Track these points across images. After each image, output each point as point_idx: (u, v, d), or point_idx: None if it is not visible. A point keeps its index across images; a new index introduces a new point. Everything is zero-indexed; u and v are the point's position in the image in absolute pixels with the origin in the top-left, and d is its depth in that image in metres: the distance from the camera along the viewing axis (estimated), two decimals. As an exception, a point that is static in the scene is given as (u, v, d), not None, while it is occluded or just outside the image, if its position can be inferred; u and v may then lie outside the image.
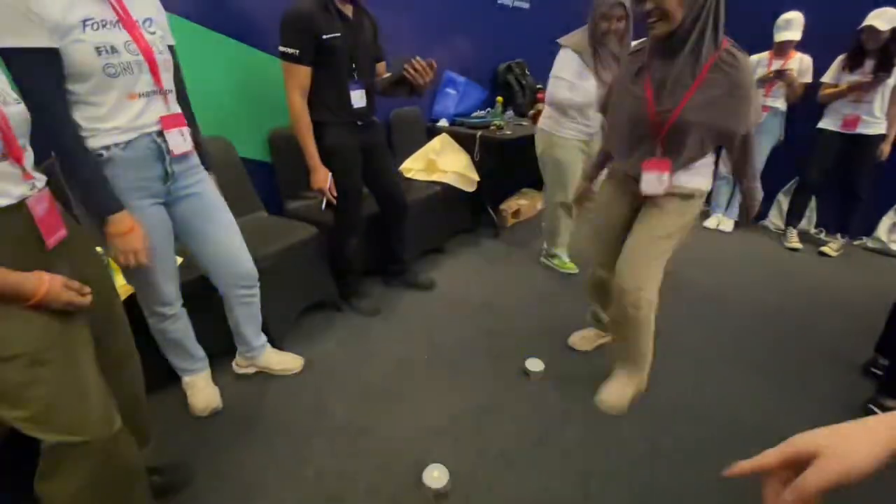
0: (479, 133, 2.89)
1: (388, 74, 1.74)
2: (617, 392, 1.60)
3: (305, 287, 1.97)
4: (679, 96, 1.23)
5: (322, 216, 2.09)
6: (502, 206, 3.20)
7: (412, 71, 1.65)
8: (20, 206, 0.77)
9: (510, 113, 3.19)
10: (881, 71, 2.53)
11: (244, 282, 1.44)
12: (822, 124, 2.82)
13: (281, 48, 1.59)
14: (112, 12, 1.01)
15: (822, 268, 2.84)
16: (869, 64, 2.58)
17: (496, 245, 2.97)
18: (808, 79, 2.88)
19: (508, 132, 2.86)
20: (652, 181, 1.35)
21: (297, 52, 1.57)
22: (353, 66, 1.70)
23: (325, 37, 1.58)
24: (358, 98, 1.74)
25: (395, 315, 2.15)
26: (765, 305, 2.33)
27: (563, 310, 2.22)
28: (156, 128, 1.12)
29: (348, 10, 1.66)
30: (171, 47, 1.19)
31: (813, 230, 3.32)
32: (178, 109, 1.18)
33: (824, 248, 3.01)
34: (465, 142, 2.91)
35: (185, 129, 1.20)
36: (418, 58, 1.65)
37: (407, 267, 2.36)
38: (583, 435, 1.50)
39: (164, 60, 1.11)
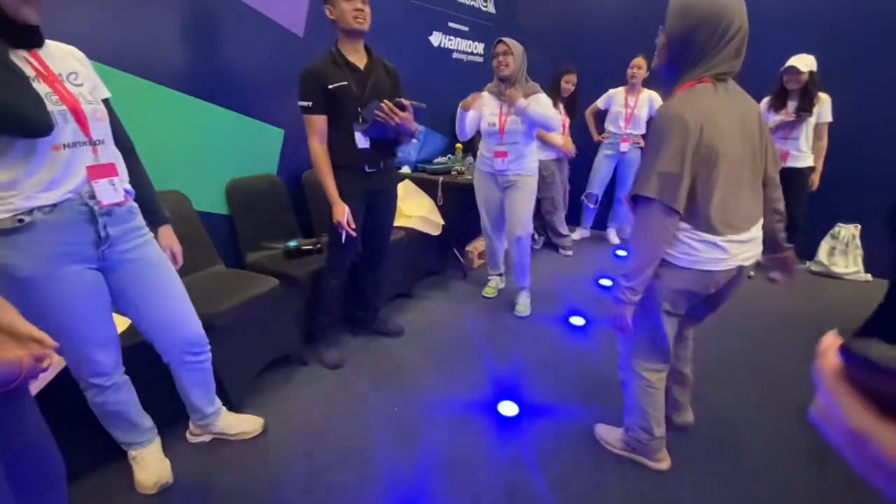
0: (441, 178, 2.96)
1: (367, 125, 1.78)
2: (608, 429, 1.62)
3: (266, 342, 1.89)
4: None
5: (285, 268, 2.05)
6: (468, 248, 3.23)
7: (381, 115, 1.74)
8: None
9: (470, 158, 3.29)
10: (803, 110, 2.78)
11: (191, 349, 1.34)
12: (756, 159, 3.05)
13: (299, 103, 1.74)
14: (30, 68, 1.00)
15: (773, 291, 2.98)
16: (791, 104, 2.84)
17: (464, 286, 2.98)
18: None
19: (469, 177, 2.94)
20: None
21: (311, 104, 1.73)
22: (360, 111, 1.78)
23: (331, 86, 1.71)
24: (362, 140, 1.81)
25: (363, 366, 2.08)
26: (725, 334, 2.41)
27: (535, 348, 2.22)
28: (84, 184, 1.07)
29: (360, 62, 1.79)
30: (106, 101, 1.17)
31: (760, 258, 3.50)
32: (110, 160, 1.13)
33: (771, 275, 3.16)
34: (427, 187, 2.97)
35: (117, 180, 1.14)
36: (385, 101, 1.73)
37: (376, 314, 2.32)
38: (563, 479, 1.46)
39: (92, 110, 1.09)
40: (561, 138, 3.33)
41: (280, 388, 1.90)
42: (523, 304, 2.56)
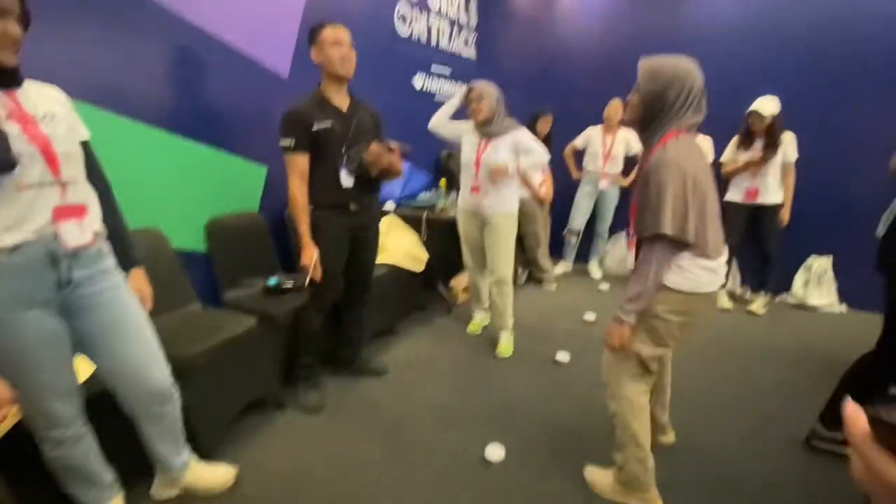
0: (425, 214, 2.97)
1: (354, 164, 1.81)
2: (598, 472, 1.58)
3: (242, 385, 1.80)
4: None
5: (263, 306, 1.99)
6: (452, 283, 3.22)
7: (370, 157, 1.77)
8: None
9: (454, 194, 3.32)
10: (768, 150, 2.93)
11: (155, 398, 1.26)
12: (728, 196, 3.15)
13: (281, 143, 1.74)
14: (1, 108, 0.99)
15: (753, 325, 3.03)
16: (758, 144, 2.98)
17: (448, 322, 2.94)
18: (711, 158, 3.28)
19: (453, 212, 2.96)
20: None
21: (293, 143, 1.72)
22: (343, 151, 1.79)
23: (315, 128, 1.72)
24: (346, 179, 1.82)
25: (344, 409, 2.00)
26: (708, 368, 2.41)
27: (521, 387, 2.17)
28: (48, 226, 1.02)
29: (343, 104, 1.82)
30: (84, 143, 1.16)
31: (739, 290, 3.58)
32: (79, 201, 1.10)
33: (751, 308, 3.23)
34: (412, 223, 2.97)
35: (86, 221, 1.10)
36: (374, 143, 1.76)
37: (358, 353, 2.25)
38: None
39: (65, 152, 1.06)
40: (544, 188, 3.42)
41: (255, 434, 1.80)
42: (505, 346, 2.52)
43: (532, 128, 3.36)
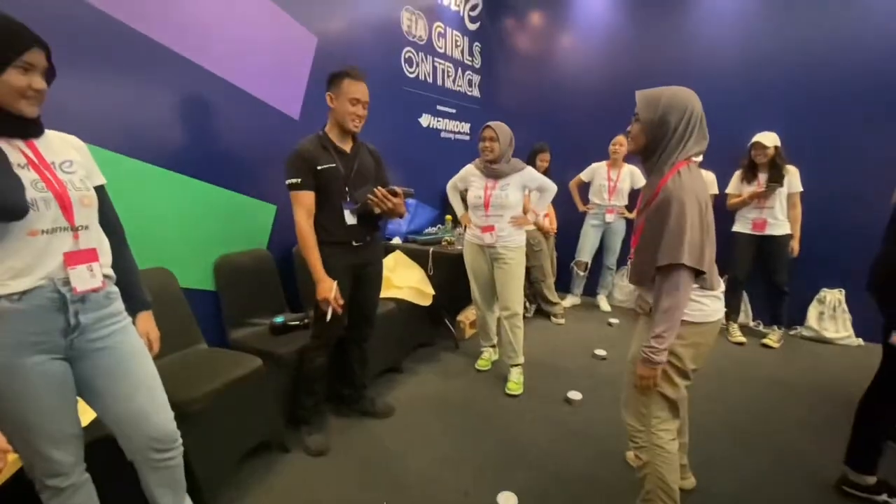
0: (431, 249, 2.98)
1: (357, 205, 1.85)
2: None
3: (246, 428, 1.76)
4: (643, 213, 1.35)
5: (269, 346, 1.97)
6: (459, 318, 3.18)
7: (374, 199, 1.80)
8: None
9: (460, 229, 3.35)
10: (773, 182, 2.94)
11: (158, 445, 1.21)
12: (735, 228, 3.15)
13: (286, 182, 1.77)
14: (21, 156, 1.01)
15: (769, 359, 2.95)
16: (762, 176, 3.00)
17: (456, 358, 2.89)
18: (715, 191, 3.29)
19: (459, 247, 2.97)
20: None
21: (299, 180, 1.75)
22: (347, 189, 1.83)
23: (319, 167, 1.77)
24: (350, 217, 1.85)
25: (349, 452, 1.94)
26: (726, 404, 2.33)
27: (533, 428, 2.11)
28: (59, 271, 1.03)
29: (347, 146, 1.87)
30: (99, 188, 1.18)
31: (752, 323, 3.51)
32: (91, 245, 1.11)
33: (766, 340, 3.16)
34: (418, 258, 2.98)
35: (96, 265, 1.11)
36: (379, 188, 1.81)
37: (363, 392, 2.21)
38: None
39: (80, 197, 1.08)
40: (547, 220, 3.46)
41: (259, 479, 1.74)
42: (515, 383, 2.46)
43: (532, 163, 3.41)
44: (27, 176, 1.00)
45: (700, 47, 3.54)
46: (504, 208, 2.37)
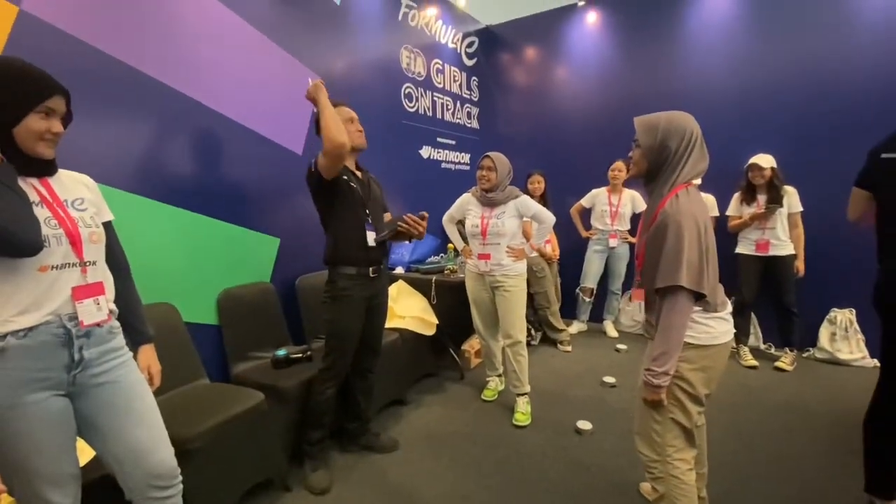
0: (433, 278, 2.98)
1: (385, 232, 1.91)
2: None
3: (247, 465, 1.72)
4: (643, 237, 1.36)
5: (271, 380, 1.95)
6: (464, 347, 3.14)
7: (405, 225, 1.87)
8: None
9: (462, 257, 3.35)
10: (772, 203, 2.95)
11: (158, 482, 1.18)
12: (739, 249, 3.14)
13: (313, 167, 1.76)
14: (35, 194, 1.04)
15: (784, 383, 2.87)
16: (761, 197, 3.01)
17: (461, 388, 2.83)
18: (716, 213, 3.30)
19: (462, 275, 2.97)
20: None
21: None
22: (367, 212, 1.88)
23: (344, 177, 1.82)
24: (371, 240, 1.89)
25: (353, 490, 1.87)
26: (743, 432, 2.25)
27: (542, 460, 2.04)
28: (66, 306, 1.04)
29: (358, 174, 1.94)
30: (107, 224, 1.21)
31: (763, 346, 3.44)
32: (98, 279, 1.12)
33: (779, 363, 3.09)
34: (421, 287, 2.98)
35: (103, 298, 1.12)
36: (410, 214, 1.88)
37: (367, 426, 2.16)
38: None
39: (90, 233, 1.10)
40: (549, 246, 3.47)
41: (259, 520, 1.69)
42: (522, 413, 2.40)
43: (524, 188, 3.45)
44: (41, 213, 1.03)
45: (691, 74, 3.63)
46: (501, 236, 2.38)
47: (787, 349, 3.14)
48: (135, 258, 1.35)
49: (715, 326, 1.28)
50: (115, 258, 1.24)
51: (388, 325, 2.60)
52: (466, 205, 2.53)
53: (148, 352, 1.32)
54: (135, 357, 1.26)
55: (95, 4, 1.73)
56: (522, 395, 2.46)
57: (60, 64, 1.49)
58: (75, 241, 1.07)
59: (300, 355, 2.13)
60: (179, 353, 1.87)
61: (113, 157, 1.77)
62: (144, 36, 1.87)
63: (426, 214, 1.91)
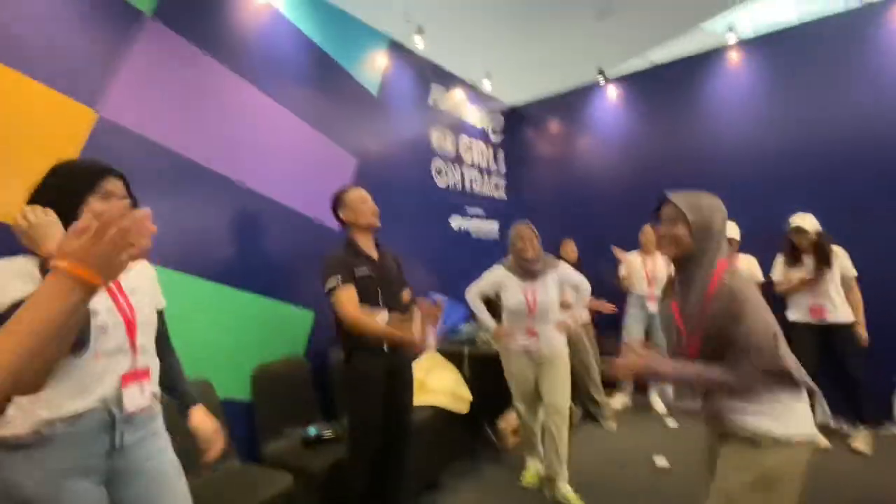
0: (466, 349, 2.91)
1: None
2: None
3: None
4: (695, 329, 1.24)
5: (301, 461, 1.89)
6: (501, 424, 2.97)
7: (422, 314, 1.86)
8: None
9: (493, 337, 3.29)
10: (821, 266, 2.78)
11: None
12: (791, 317, 2.92)
13: (325, 286, 1.80)
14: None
15: (864, 469, 2.53)
16: (808, 260, 2.85)
17: (499, 470, 2.64)
18: (760, 277, 3.14)
19: (495, 346, 2.89)
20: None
21: (339, 278, 1.79)
22: (379, 294, 1.87)
23: (356, 272, 1.83)
24: (383, 321, 1.86)
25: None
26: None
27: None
28: (113, 391, 1.05)
29: (373, 253, 1.95)
30: (160, 312, 1.25)
31: (832, 424, 3.09)
32: (147, 365, 1.14)
33: (855, 445, 2.75)
34: (452, 358, 2.90)
35: (147, 383, 1.13)
36: (425, 302, 1.89)
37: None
38: None
39: (144, 321, 1.14)
40: (585, 310, 3.36)
41: None
42: (570, 499, 2.20)
43: (557, 255, 3.43)
44: (103, 302, 1.05)
45: (716, 140, 3.66)
46: (549, 311, 2.29)
47: (860, 426, 2.81)
48: (173, 332, 1.37)
49: (806, 413, 1.17)
50: (164, 344, 1.27)
51: (419, 401, 2.53)
52: (502, 280, 2.35)
53: (200, 411, 1.30)
54: (188, 418, 1.25)
55: (162, 107, 1.96)
56: (562, 479, 2.26)
57: (126, 157, 1.66)
58: (131, 330, 1.10)
59: (331, 435, 2.06)
60: (212, 432, 1.86)
61: (158, 237, 1.89)
62: (202, 131, 2.09)
63: (441, 304, 1.92)
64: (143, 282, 1.20)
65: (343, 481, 1.84)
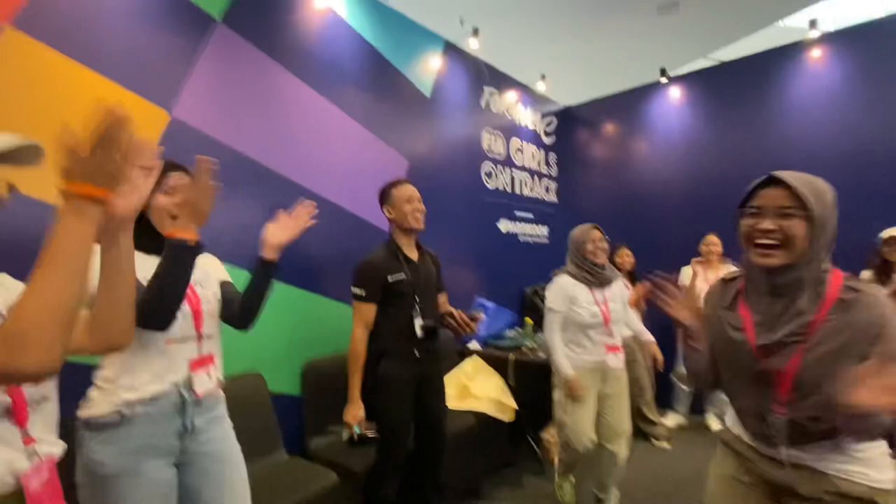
0: (511, 356, 2.84)
1: (431, 322, 1.85)
2: None
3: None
4: (792, 347, 0.93)
5: (345, 459, 1.90)
6: (545, 436, 2.87)
7: (453, 323, 1.82)
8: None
9: (541, 334, 3.19)
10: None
11: None
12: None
13: (353, 289, 1.80)
14: None
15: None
16: (900, 277, 2.57)
17: (542, 484, 2.54)
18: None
19: (542, 354, 2.80)
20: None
21: (364, 293, 1.77)
22: (417, 299, 1.83)
23: (390, 279, 1.77)
24: (419, 329, 1.81)
25: None
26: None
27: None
28: (184, 375, 1.11)
29: (414, 255, 1.89)
30: (225, 284, 1.29)
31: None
32: (211, 351, 1.19)
33: None
34: (497, 365, 2.84)
35: (213, 368, 1.18)
36: (461, 313, 1.83)
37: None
38: None
39: (209, 310, 1.19)
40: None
41: None
42: None
43: (612, 262, 3.29)
44: None
45: (790, 144, 3.37)
46: (619, 322, 2.12)
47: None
48: (227, 328, 1.41)
49: None
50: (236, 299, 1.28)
51: (462, 406, 2.49)
52: (572, 290, 2.06)
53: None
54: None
55: (227, 109, 2.05)
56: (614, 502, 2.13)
57: (191, 157, 1.73)
58: (198, 318, 1.16)
59: (375, 435, 2.06)
60: (262, 424, 1.91)
61: (220, 233, 1.96)
62: (263, 132, 2.16)
63: (481, 317, 1.85)
64: (208, 272, 1.25)
65: (372, 488, 1.81)
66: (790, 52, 3.44)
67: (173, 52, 1.89)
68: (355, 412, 1.73)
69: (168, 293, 1.02)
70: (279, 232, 1.26)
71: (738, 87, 3.65)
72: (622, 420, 2.09)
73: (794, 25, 3.27)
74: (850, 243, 2.71)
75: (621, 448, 2.08)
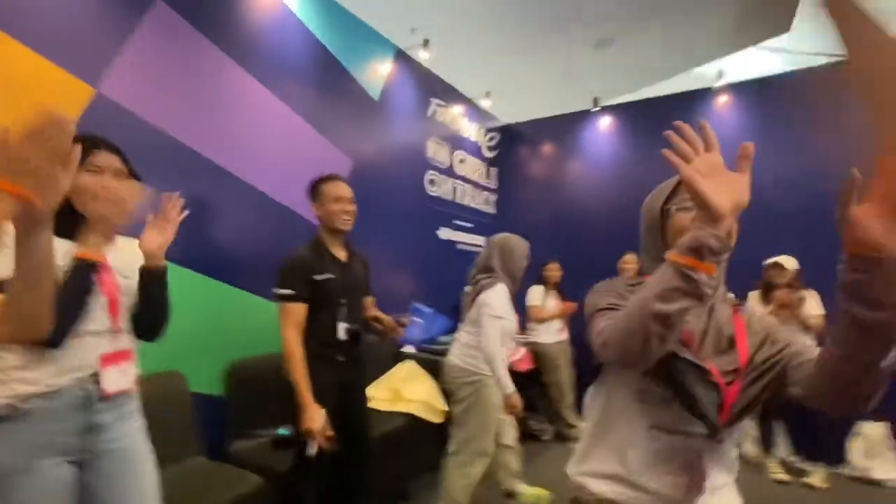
0: (444, 360, 2.90)
1: (357, 327, 1.81)
2: None
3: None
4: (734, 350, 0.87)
5: (269, 461, 1.85)
6: (471, 438, 2.96)
7: (380, 327, 1.84)
8: None
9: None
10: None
11: None
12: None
13: (277, 291, 1.68)
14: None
15: (817, 502, 2.63)
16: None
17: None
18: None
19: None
20: None
21: (293, 292, 1.66)
22: (343, 302, 1.75)
23: (317, 278, 1.68)
24: (342, 332, 1.75)
25: None
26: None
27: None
28: (91, 371, 1.02)
29: (342, 255, 1.81)
30: None
31: (791, 458, 3.20)
32: (127, 346, 1.12)
33: (809, 480, 2.85)
34: (432, 369, 2.89)
35: (126, 365, 1.10)
36: (389, 318, 1.85)
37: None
38: None
39: (129, 303, 1.12)
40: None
41: None
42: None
43: (540, 276, 3.50)
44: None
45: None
46: None
47: (817, 463, 2.91)
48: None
49: None
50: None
51: (393, 408, 2.51)
52: (508, 299, 2.10)
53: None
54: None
55: (160, 89, 1.93)
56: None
57: (120, 136, 1.62)
58: (114, 310, 1.08)
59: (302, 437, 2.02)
60: (180, 426, 1.81)
61: (136, 219, 1.83)
62: (197, 117, 2.06)
63: (407, 322, 1.88)
64: (133, 261, 1.15)
65: (294, 489, 1.75)
66: (702, 95, 3.89)
67: (106, 25, 1.76)
68: (316, 415, 1.59)
69: (68, 314, 0.96)
70: (153, 236, 1.15)
71: (658, 122, 4.00)
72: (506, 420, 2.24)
73: (707, 73, 3.71)
74: (742, 265, 3.12)
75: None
